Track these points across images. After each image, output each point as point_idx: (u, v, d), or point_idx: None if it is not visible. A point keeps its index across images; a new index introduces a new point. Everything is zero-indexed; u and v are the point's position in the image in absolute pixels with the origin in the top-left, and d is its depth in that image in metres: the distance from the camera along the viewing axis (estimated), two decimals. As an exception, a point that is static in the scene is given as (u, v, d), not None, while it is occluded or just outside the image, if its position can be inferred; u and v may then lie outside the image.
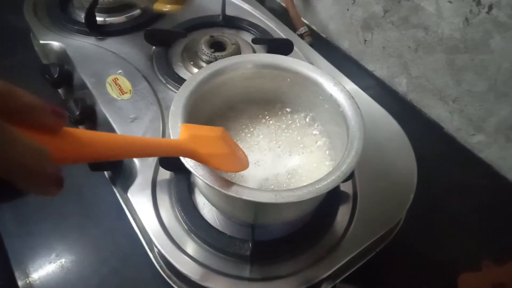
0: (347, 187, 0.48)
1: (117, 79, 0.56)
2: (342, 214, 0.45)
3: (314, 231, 0.43)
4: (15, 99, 0.19)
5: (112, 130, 0.51)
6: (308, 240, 0.42)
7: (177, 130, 0.36)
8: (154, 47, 0.62)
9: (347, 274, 0.44)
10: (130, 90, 0.55)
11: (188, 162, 0.35)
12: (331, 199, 0.45)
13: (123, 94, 0.54)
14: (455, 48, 0.57)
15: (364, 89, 0.60)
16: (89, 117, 0.56)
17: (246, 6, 0.72)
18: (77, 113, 0.55)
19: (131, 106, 0.53)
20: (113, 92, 0.54)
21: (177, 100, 0.38)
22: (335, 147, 0.42)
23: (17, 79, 0.50)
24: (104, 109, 0.52)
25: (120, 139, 0.28)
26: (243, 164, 0.37)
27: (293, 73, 0.41)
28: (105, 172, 0.53)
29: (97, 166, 0.50)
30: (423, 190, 0.48)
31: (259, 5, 0.73)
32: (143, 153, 0.32)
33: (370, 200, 0.46)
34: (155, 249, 0.45)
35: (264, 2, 0.75)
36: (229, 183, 0.33)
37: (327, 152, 0.43)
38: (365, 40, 0.72)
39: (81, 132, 0.23)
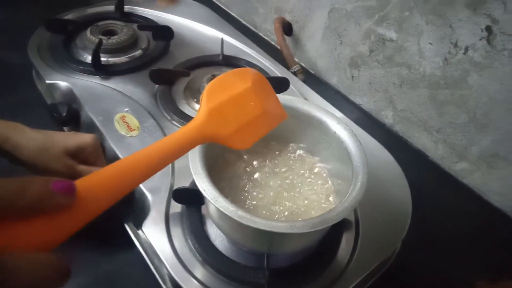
0: (349, 215, 0.51)
1: (125, 117, 0.58)
2: (347, 240, 0.48)
3: (323, 257, 0.46)
4: (21, 198, 0.19)
5: (122, 166, 0.53)
6: (318, 266, 0.45)
7: (197, 165, 0.39)
8: (157, 85, 0.66)
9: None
10: (138, 127, 0.57)
11: (208, 195, 0.37)
12: (336, 226, 0.48)
13: (131, 131, 0.57)
14: (436, 84, 0.63)
15: (353, 121, 0.65)
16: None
17: (242, 46, 0.77)
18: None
19: (140, 142, 0.56)
20: (122, 129, 0.57)
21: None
22: (338, 181, 0.46)
23: (22, 118, 0.52)
24: (114, 146, 0.55)
25: (135, 162, 0.26)
26: (278, 115, 0.35)
27: (299, 113, 0.45)
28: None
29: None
30: (413, 215, 0.52)
31: (254, 45, 0.78)
32: (161, 164, 0.28)
33: (372, 226, 0.50)
34: (168, 279, 0.46)
35: (258, 42, 0.80)
36: (246, 215, 0.36)
37: (331, 185, 0.46)
38: (353, 76, 0.78)
39: (91, 183, 0.23)
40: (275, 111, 0.36)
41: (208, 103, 0.31)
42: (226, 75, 0.35)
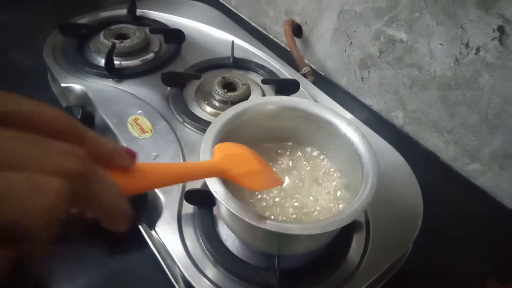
0: (360, 216, 0.51)
1: (138, 119, 0.60)
2: (357, 241, 0.48)
3: (333, 258, 0.46)
4: (103, 147, 0.23)
5: (135, 167, 0.54)
6: (329, 267, 0.45)
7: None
8: (169, 88, 0.67)
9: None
10: (151, 129, 0.58)
11: (220, 196, 0.38)
12: (346, 227, 0.48)
13: (144, 133, 0.58)
14: (447, 85, 0.63)
15: (362, 122, 0.65)
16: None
17: (252, 49, 0.78)
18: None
19: (153, 144, 0.57)
20: (135, 132, 0.58)
21: (206, 138, 0.42)
22: (348, 183, 0.46)
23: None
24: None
25: (169, 169, 0.30)
26: (275, 180, 0.40)
27: (310, 114, 0.46)
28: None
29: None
30: (425, 216, 0.52)
31: (264, 47, 0.79)
32: (185, 178, 0.34)
33: (382, 227, 0.50)
34: (180, 278, 0.47)
35: (268, 44, 0.81)
36: (257, 216, 0.36)
37: (340, 187, 0.47)
38: (362, 78, 0.78)
39: (143, 165, 0.26)
40: (273, 176, 0.40)
41: (220, 151, 0.36)
42: (227, 143, 0.39)
